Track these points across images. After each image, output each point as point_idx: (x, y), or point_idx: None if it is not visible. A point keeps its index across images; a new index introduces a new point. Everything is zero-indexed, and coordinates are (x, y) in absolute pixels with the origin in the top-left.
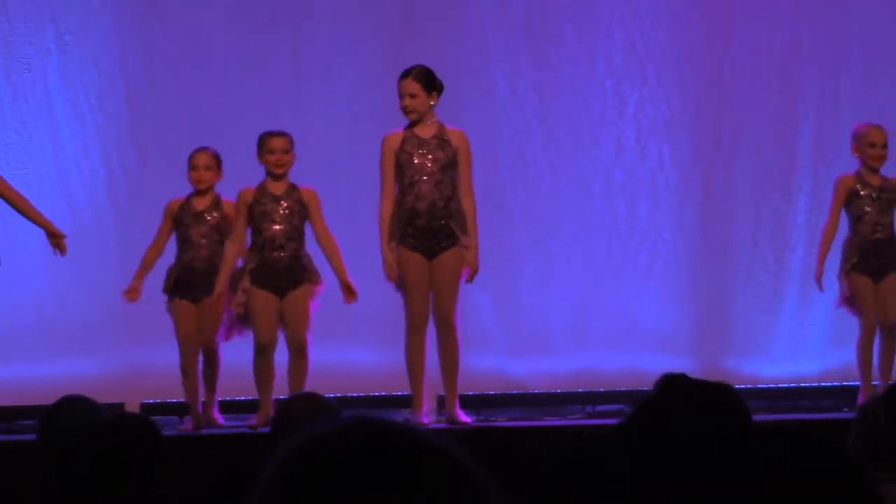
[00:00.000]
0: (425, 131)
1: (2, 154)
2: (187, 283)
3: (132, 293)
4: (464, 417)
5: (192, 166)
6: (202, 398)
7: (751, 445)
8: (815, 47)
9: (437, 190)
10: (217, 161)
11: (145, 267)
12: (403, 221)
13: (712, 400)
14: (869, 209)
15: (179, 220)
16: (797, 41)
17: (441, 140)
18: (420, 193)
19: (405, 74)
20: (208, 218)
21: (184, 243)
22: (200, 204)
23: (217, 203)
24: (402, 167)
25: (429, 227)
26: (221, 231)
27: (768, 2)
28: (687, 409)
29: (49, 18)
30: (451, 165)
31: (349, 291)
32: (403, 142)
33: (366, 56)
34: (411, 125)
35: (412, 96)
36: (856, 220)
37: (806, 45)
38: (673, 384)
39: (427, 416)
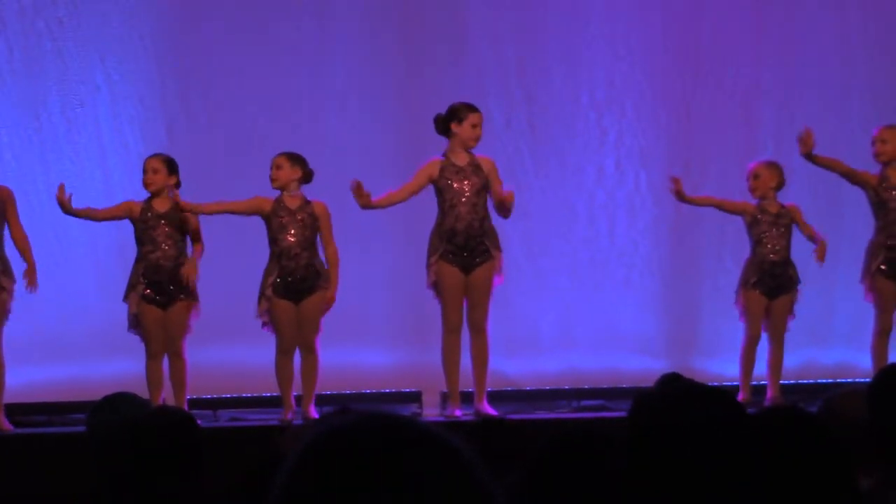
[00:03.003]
0: (461, 159)
1: (57, 179)
2: (155, 284)
3: (66, 205)
4: (489, 410)
5: (143, 171)
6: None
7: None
8: (773, 86)
9: (473, 212)
10: (167, 165)
11: (91, 214)
12: (444, 239)
13: (707, 396)
14: (768, 233)
15: (142, 221)
16: (757, 80)
17: (474, 167)
18: (459, 215)
19: (476, 108)
20: (171, 218)
21: (148, 244)
22: (161, 206)
23: (176, 204)
24: (442, 191)
25: (466, 244)
26: (183, 232)
27: (731, 46)
28: (684, 403)
29: (98, 60)
30: (483, 189)
31: (330, 302)
32: (442, 169)
33: (376, 92)
34: (449, 153)
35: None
36: (756, 243)
37: (764, 84)
38: (672, 382)
39: (460, 409)
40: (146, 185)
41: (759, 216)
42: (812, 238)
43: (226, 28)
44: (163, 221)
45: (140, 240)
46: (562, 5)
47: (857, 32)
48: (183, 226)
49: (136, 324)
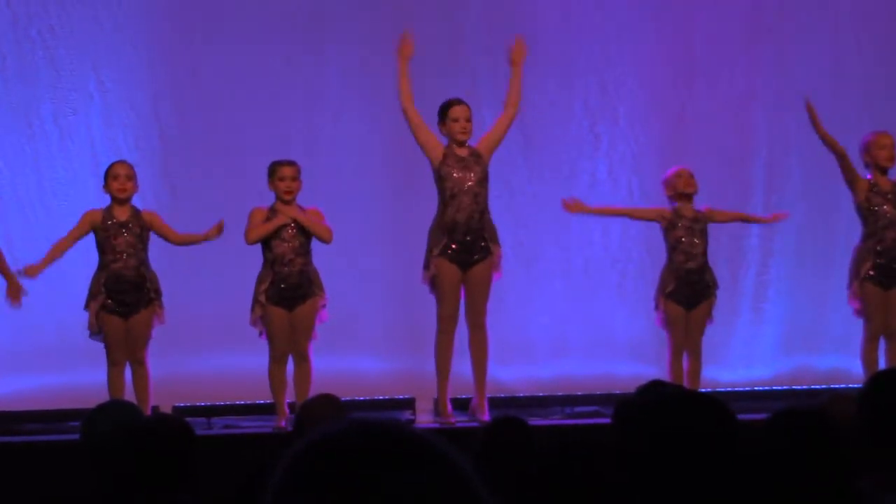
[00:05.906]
0: (462, 150)
1: (50, 187)
2: (116, 294)
3: (31, 271)
4: (486, 416)
5: (113, 176)
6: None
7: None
8: (766, 94)
9: (474, 203)
10: (135, 173)
11: (52, 256)
12: (445, 233)
13: (695, 403)
14: (684, 239)
15: (104, 229)
16: (751, 88)
17: (475, 156)
18: (461, 206)
19: (458, 102)
20: (132, 227)
21: (109, 253)
22: (122, 214)
23: (137, 213)
24: (443, 179)
25: (465, 240)
26: (144, 240)
27: (724, 52)
28: (671, 410)
29: (91, 67)
30: (485, 179)
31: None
32: (446, 156)
33: (370, 99)
34: (451, 144)
35: (468, 120)
36: (672, 249)
37: (758, 91)
38: (656, 389)
39: (454, 416)
40: (120, 191)
41: (675, 221)
42: (747, 218)
43: (219, 35)
44: (124, 230)
45: (101, 248)
46: (555, 12)
47: (850, 38)
48: (143, 234)
49: (97, 331)
